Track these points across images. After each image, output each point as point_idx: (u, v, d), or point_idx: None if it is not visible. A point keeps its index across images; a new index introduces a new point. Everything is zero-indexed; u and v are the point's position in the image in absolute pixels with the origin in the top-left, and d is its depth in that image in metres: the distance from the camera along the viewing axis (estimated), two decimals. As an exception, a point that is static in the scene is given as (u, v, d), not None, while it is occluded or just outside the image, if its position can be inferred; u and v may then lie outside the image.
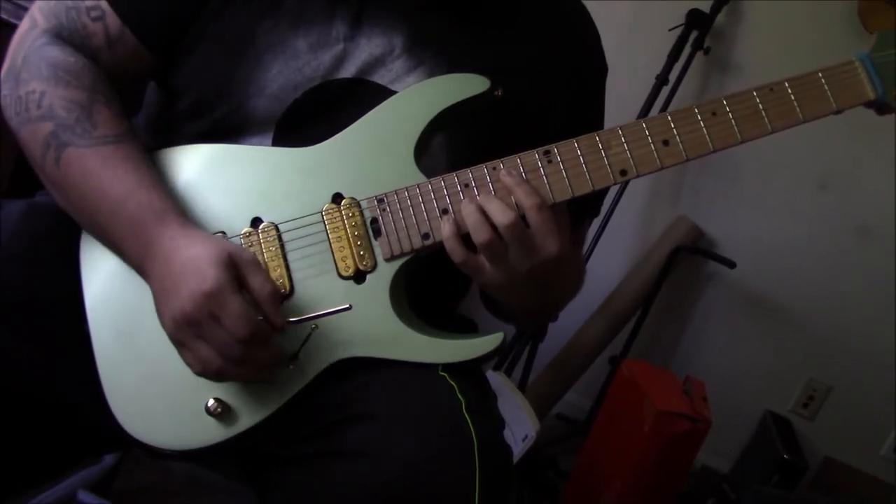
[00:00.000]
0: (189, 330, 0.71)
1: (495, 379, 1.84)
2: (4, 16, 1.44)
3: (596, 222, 1.66)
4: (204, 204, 0.81)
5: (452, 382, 0.77)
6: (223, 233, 0.80)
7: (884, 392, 2.07)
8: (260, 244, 0.79)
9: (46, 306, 0.80)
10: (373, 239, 0.79)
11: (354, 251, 0.79)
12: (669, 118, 0.78)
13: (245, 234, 0.80)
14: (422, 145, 0.80)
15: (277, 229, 0.79)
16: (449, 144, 0.84)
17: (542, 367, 2.11)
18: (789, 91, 0.77)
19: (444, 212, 0.78)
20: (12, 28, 0.87)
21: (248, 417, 0.77)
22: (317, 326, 0.77)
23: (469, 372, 0.81)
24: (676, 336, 2.29)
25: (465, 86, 0.80)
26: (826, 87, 0.77)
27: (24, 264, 0.81)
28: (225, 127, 0.84)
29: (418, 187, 0.78)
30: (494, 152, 0.78)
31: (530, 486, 1.94)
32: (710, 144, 0.77)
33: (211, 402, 0.76)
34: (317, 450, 0.76)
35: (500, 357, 1.99)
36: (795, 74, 0.78)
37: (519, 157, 0.78)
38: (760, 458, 2.10)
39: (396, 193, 0.79)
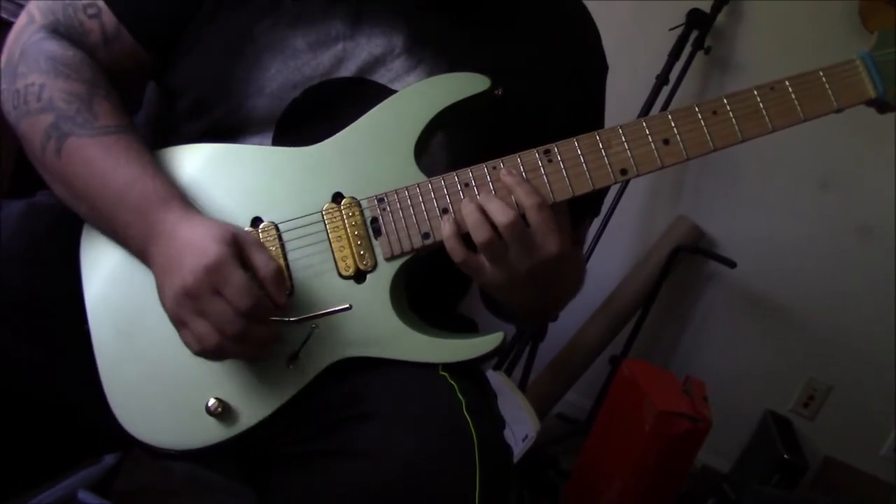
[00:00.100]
0: (190, 305, 0.71)
1: (495, 378, 1.84)
2: (5, 15, 1.44)
3: (596, 222, 1.65)
4: (204, 203, 0.80)
5: (453, 382, 0.77)
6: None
7: (884, 392, 2.07)
8: (260, 244, 0.79)
9: (46, 306, 0.80)
10: (373, 238, 0.79)
11: (354, 251, 0.79)
12: (670, 117, 0.77)
13: (245, 233, 0.80)
14: (422, 144, 0.80)
15: (277, 229, 0.79)
16: (449, 144, 0.84)
17: (542, 366, 2.11)
18: (790, 90, 0.77)
19: (445, 211, 0.78)
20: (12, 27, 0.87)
21: (248, 417, 0.77)
22: (317, 326, 0.77)
23: (469, 372, 0.81)
24: (677, 336, 2.29)
25: (465, 85, 0.79)
26: (827, 86, 0.77)
27: (24, 264, 0.81)
28: (225, 126, 0.84)
29: (418, 186, 0.78)
30: (495, 152, 0.78)
31: (531, 485, 1.93)
32: (710, 143, 0.77)
33: (211, 401, 0.76)
34: (317, 449, 0.76)
35: (501, 356, 1.99)
36: (796, 73, 0.78)
37: (519, 157, 0.78)
38: (761, 457, 2.10)
39: (397, 193, 0.79)
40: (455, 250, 0.76)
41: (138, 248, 0.77)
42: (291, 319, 0.75)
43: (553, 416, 2.23)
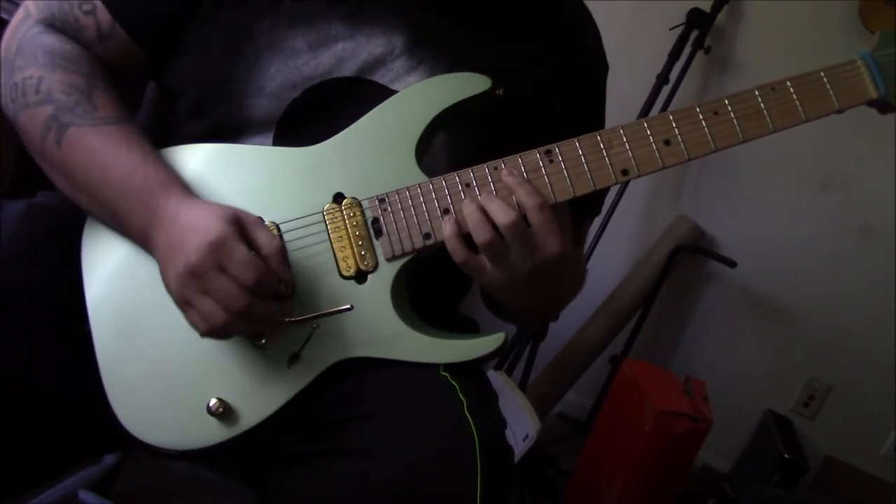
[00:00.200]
0: (195, 284, 0.71)
1: (496, 378, 1.84)
2: (4, 15, 1.44)
3: (597, 222, 1.66)
4: (205, 203, 0.80)
5: (454, 382, 0.77)
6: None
7: (884, 392, 2.07)
8: (261, 244, 0.79)
9: (46, 306, 0.80)
10: (374, 239, 0.79)
11: (356, 251, 0.79)
12: (671, 117, 0.77)
13: (246, 233, 0.80)
14: (423, 145, 0.80)
15: (279, 229, 0.79)
16: (450, 144, 0.84)
17: (542, 366, 2.11)
18: (791, 90, 0.77)
19: (446, 211, 0.78)
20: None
21: (249, 417, 0.77)
22: (318, 326, 0.77)
23: (470, 372, 0.81)
24: (677, 335, 2.29)
25: (466, 85, 0.79)
26: (828, 86, 0.77)
27: (24, 264, 0.81)
28: (225, 126, 0.84)
29: (419, 187, 0.78)
30: (496, 152, 0.78)
31: (531, 485, 1.93)
32: (711, 144, 0.77)
33: (212, 401, 0.76)
34: (317, 449, 0.76)
35: (501, 356, 1.99)
36: (797, 73, 0.78)
37: (520, 157, 0.78)
38: (761, 457, 2.10)
39: (398, 193, 0.79)
40: (456, 251, 0.76)
41: (140, 235, 0.77)
42: (293, 319, 0.75)
43: (553, 416, 2.23)
